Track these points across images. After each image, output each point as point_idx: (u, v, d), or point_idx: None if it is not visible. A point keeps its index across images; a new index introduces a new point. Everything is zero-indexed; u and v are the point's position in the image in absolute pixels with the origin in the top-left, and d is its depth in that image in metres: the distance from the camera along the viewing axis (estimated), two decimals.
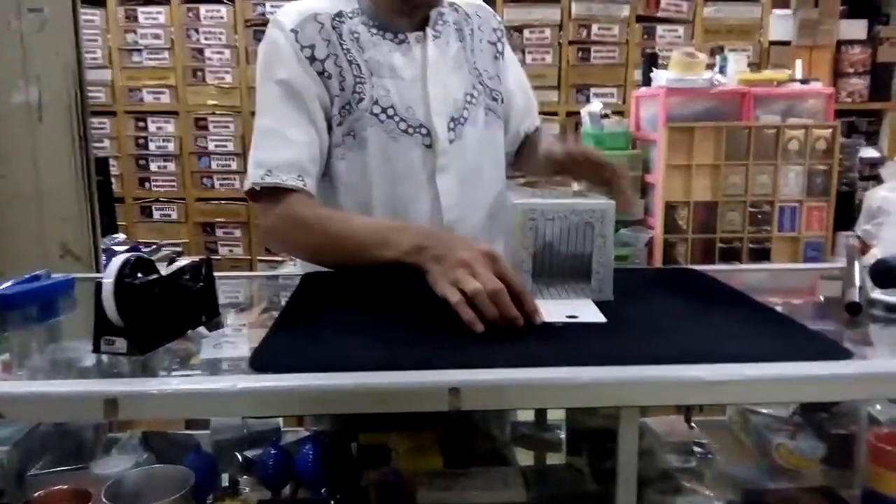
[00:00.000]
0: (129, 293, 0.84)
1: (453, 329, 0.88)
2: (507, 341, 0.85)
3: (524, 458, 1.22)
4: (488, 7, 1.40)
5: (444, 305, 0.91)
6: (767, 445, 1.14)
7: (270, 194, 1.15)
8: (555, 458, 1.22)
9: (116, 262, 0.86)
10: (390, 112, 1.19)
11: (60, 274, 1.16)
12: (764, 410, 1.22)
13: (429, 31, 1.23)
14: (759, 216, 2.98)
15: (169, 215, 4.18)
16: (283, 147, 1.15)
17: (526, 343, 0.85)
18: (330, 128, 1.19)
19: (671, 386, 0.78)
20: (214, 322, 0.96)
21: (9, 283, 1.06)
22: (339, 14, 1.20)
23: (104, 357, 0.84)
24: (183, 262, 0.97)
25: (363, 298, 1.06)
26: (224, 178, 4.17)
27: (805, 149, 2.95)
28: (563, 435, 1.24)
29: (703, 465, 1.12)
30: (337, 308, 1.02)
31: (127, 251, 1.06)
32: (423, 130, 1.21)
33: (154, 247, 3.36)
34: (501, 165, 1.37)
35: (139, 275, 0.87)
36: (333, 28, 1.19)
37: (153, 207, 4.18)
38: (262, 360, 0.80)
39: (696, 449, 1.17)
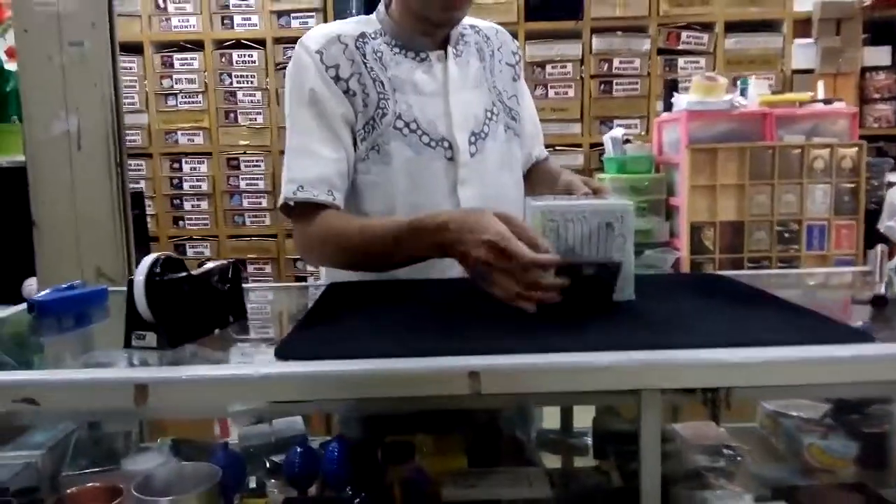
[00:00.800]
0: (159, 289, 0.87)
1: (474, 324, 0.90)
2: (526, 331, 0.87)
3: (551, 463, 1.21)
4: (506, 31, 1.44)
5: (466, 303, 0.93)
6: (799, 446, 1.12)
7: (303, 209, 1.20)
8: (581, 464, 1.21)
9: (147, 260, 0.89)
10: (413, 126, 1.22)
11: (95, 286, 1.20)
12: (794, 413, 1.20)
13: (450, 49, 1.28)
14: (787, 235, 2.95)
15: (202, 252, 4.26)
16: (313, 164, 1.19)
17: (546, 332, 0.86)
18: (355, 143, 1.23)
19: (692, 368, 0.78)
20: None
21: (46, 291, 1.10)
22: (362, 35, 1.25)
23: (135, 359, 0.86)
24: (211, 264, 1.00)
25: (386, 300, 1.08)
26: (255, 216, 4.25)
27: (831, 168, 2.94)
28: (589, 440, 1.23)
29: (733, 465, 1.10)
30: (360, 308, 1.04)
31: None
32: (446, 144, 1.24)
33: None
34: (521, 184, 1.39)
35: (169, 273, 0.90)
36: (357, 48, 1.23)
37: (187, 245, 4.27)
38: (287, 350, 0.83)
39: (726, 451, 1.15)
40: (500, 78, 1.36)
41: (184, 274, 0.92)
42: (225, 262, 1.02)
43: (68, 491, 0.94)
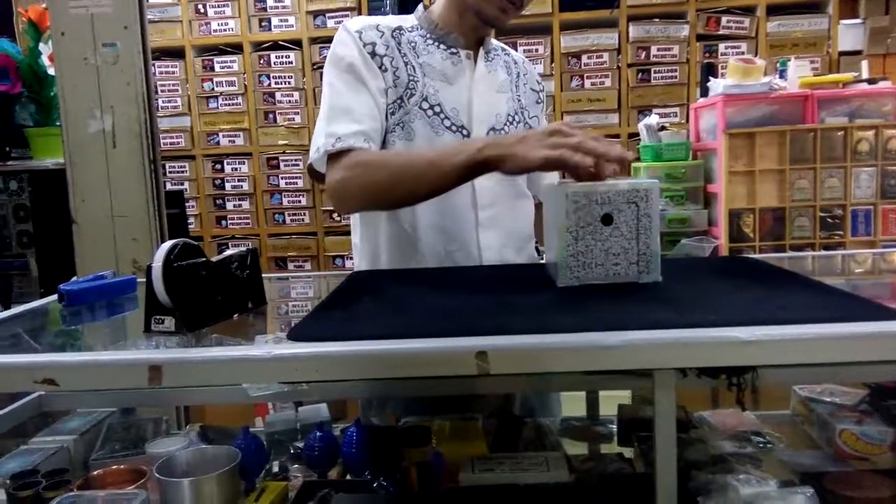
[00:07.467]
0: (175, 274, 0.89)
1: (486, 307, 0.89)
2: (536, 312, 0.86)
3: (573, 449, 1.19)
4: (532, 66, 1.49)
5: (483, 289, 0.92)
6: (832, 433, 1.08)
7: (337, 157, 1.20)
8: (605, 451, 1.19)
9: (165, 246, 0.91)
10: (437, 109, 1.27)
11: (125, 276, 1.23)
12: (829, 399, 1.16)
13: (481, 51, 1.33)
14: (831, 221, 2.85)
15: None
16: (350, 120, 1.21)
17: (556, 312, 0.85)
18: (386, 115, 1.26)
19: (706, 347, 0.76)
20: None
21: (76, 280, 1.14)
22: (399, 28, 1.31)
23: (153, 343, 0.88)
24: (230, 251, 1.01)
25: (404, 287, 1.08)
26: (295, 215, 4.31)
27: (876, 150, 2.82)
28: (614, 427, 1.21)
29: (762, 452, 1.07)
30: (377, 294, 1.04)
31: None
32: (464, 131, 1.28)
33: None
34: (531, 203, 1.40)
35: (186, 259, 0.92)
36: (393, 37, 1.29)
37: (230, 244, 4.35)
38: (299, 333, 0.83)
39: (755, 438, 1.12)
40: (525, 97, 1.41)
41: (201, 260, 0.93)
42: (244, 249, 1.04)
43: (94, 472, 0.96)
